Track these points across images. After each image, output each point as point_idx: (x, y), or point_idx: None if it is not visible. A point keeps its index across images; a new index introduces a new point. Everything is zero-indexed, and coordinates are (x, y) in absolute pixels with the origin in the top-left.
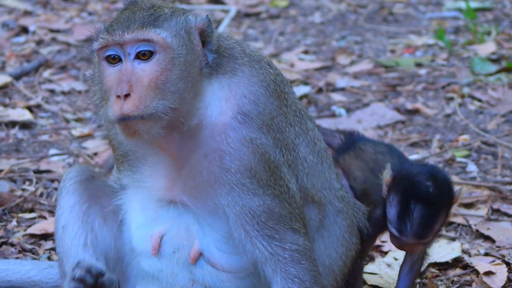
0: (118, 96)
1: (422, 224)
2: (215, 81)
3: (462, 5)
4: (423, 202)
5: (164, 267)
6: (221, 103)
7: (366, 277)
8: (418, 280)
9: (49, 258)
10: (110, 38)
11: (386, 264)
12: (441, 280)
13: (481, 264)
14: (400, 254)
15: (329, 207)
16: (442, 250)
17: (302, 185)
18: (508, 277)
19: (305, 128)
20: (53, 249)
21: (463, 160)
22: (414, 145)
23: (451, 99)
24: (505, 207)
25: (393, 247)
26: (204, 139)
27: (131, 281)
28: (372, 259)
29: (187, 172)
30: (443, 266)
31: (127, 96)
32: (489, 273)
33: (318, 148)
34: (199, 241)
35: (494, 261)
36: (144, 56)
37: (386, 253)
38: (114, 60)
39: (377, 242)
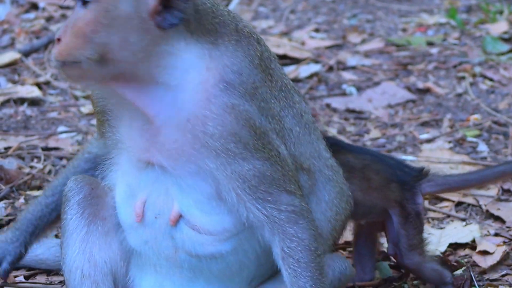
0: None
1: None
2: (194, 46)
3: None
4: None
5: (148, 237)
6: (202, 71)
7: None
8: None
9: (56, 236)
10: None
11: None
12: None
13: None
14: None
15: (318, 174)
16: (459, 231)
17: (290, 153)
18: None
19: (292, 102)
20: (61, 227)
21: (474, 139)
22: (424, 124)
23: (463, 78)
24: None
25: None
26: (186, 103)
27: (124, 257)
28: None
29: (166, 133)
30: (452, 246)
31: (59, 40)
32: None
33: (305, 120)
34: (178, 203)
35: (504, 241)
36: (85, 3)
37: None
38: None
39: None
